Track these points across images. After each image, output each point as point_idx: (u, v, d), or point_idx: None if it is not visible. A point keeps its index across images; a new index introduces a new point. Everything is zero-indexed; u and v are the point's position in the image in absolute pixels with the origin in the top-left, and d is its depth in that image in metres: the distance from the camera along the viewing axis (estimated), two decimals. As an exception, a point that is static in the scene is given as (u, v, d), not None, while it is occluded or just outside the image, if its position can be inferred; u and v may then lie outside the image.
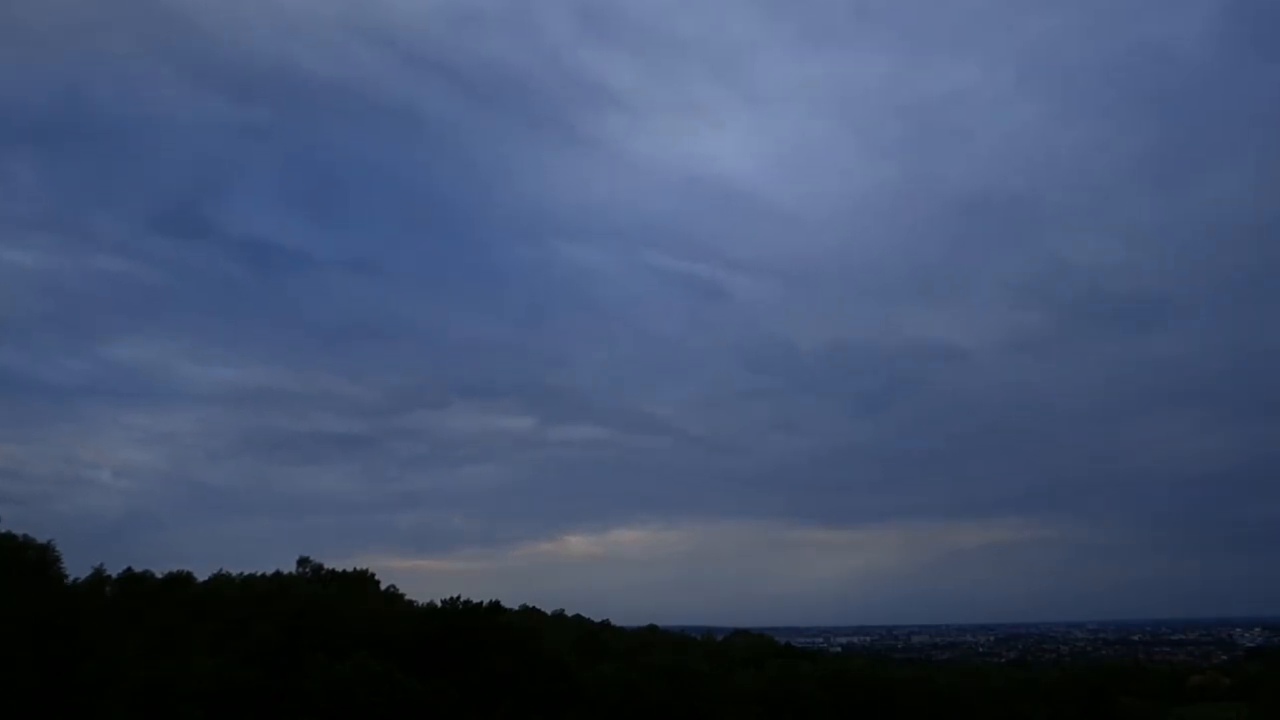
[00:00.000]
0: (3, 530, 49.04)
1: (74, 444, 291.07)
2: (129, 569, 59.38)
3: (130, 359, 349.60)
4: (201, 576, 63.96)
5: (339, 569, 71.19)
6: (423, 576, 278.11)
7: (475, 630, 60.60)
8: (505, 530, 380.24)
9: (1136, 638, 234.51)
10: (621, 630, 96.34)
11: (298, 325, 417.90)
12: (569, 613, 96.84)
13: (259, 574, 67.33)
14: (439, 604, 65.79)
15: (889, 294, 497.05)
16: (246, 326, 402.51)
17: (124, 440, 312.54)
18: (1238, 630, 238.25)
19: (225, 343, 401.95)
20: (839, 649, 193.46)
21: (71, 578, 52.40)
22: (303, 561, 70.76)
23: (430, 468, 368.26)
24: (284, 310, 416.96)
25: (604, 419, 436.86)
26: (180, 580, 61.58)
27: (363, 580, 71.12)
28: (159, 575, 61.08)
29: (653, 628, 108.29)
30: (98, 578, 56.05)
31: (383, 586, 72.41)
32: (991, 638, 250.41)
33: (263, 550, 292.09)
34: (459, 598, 65.44)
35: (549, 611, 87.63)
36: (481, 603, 65.22)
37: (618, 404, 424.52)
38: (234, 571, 66.64)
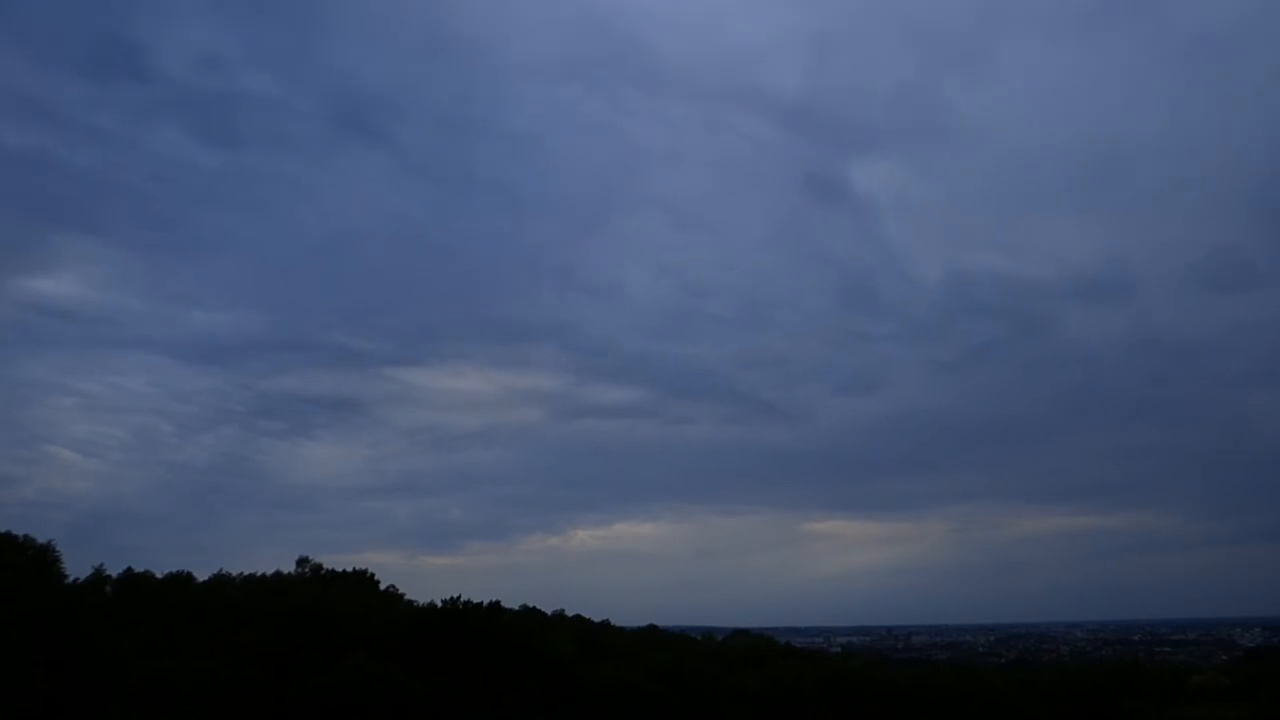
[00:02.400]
0: (2, 529, 49.11)
1: (14, 415, 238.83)
2: (129, 569, 59.60)
3: (63, 295, 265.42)
4: (201, 576, 64.17)
5: (339, 569, 71.42)
6: (424, 574, 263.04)
7: (475, 630, 60.57)
8: (512, 521, 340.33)
9: (1136, 638, 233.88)
10: (622, 630, 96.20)
11: (276, 235, 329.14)
12: (569, 612, 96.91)
13: (259, 574, 67.59)
14: (439, 604, 65.77)
15: (1051, 192, 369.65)
16: (208, 241, 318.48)
17: (75, 410, 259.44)
18: (1238, 630, 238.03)
19: (182, 267, 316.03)
20: (839, 649, 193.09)
21: (71, 577, 52.46)
22: (302, 561, 71.12)
23: (436, 448, 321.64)
24: (257, 212, 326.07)
25: (649, 378, 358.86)
26: (180, 580, 61.73)
27: (362, 580, 71.22)
28: (159, 575, 61.27)
29: (653, 628, 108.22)
30: (98, 577, 56.16)
31: (382, 586, 72.50)
32: (991, 638, 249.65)
33: (257, 547, 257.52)
34: (459, 597, 65.47)
35: (549, 611, 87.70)
36: (481, 603, 65.23)
37: (668, 356, 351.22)
38: (234, 571, 66.94)
